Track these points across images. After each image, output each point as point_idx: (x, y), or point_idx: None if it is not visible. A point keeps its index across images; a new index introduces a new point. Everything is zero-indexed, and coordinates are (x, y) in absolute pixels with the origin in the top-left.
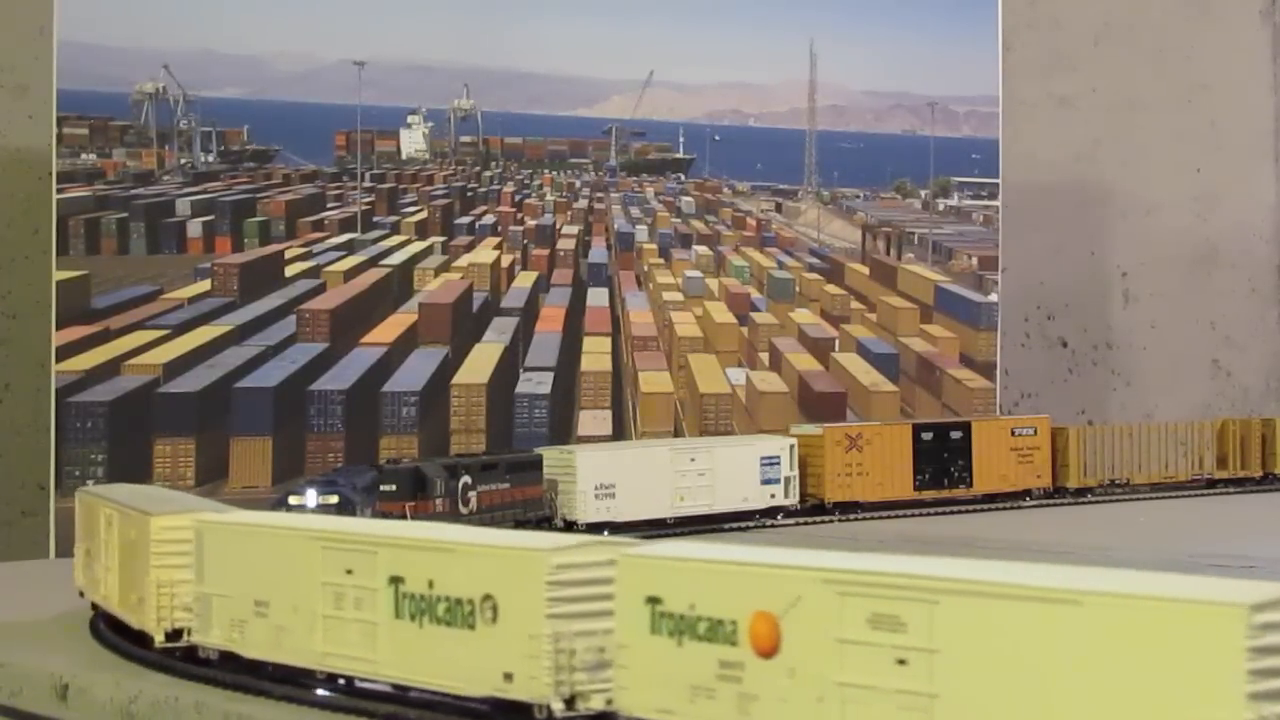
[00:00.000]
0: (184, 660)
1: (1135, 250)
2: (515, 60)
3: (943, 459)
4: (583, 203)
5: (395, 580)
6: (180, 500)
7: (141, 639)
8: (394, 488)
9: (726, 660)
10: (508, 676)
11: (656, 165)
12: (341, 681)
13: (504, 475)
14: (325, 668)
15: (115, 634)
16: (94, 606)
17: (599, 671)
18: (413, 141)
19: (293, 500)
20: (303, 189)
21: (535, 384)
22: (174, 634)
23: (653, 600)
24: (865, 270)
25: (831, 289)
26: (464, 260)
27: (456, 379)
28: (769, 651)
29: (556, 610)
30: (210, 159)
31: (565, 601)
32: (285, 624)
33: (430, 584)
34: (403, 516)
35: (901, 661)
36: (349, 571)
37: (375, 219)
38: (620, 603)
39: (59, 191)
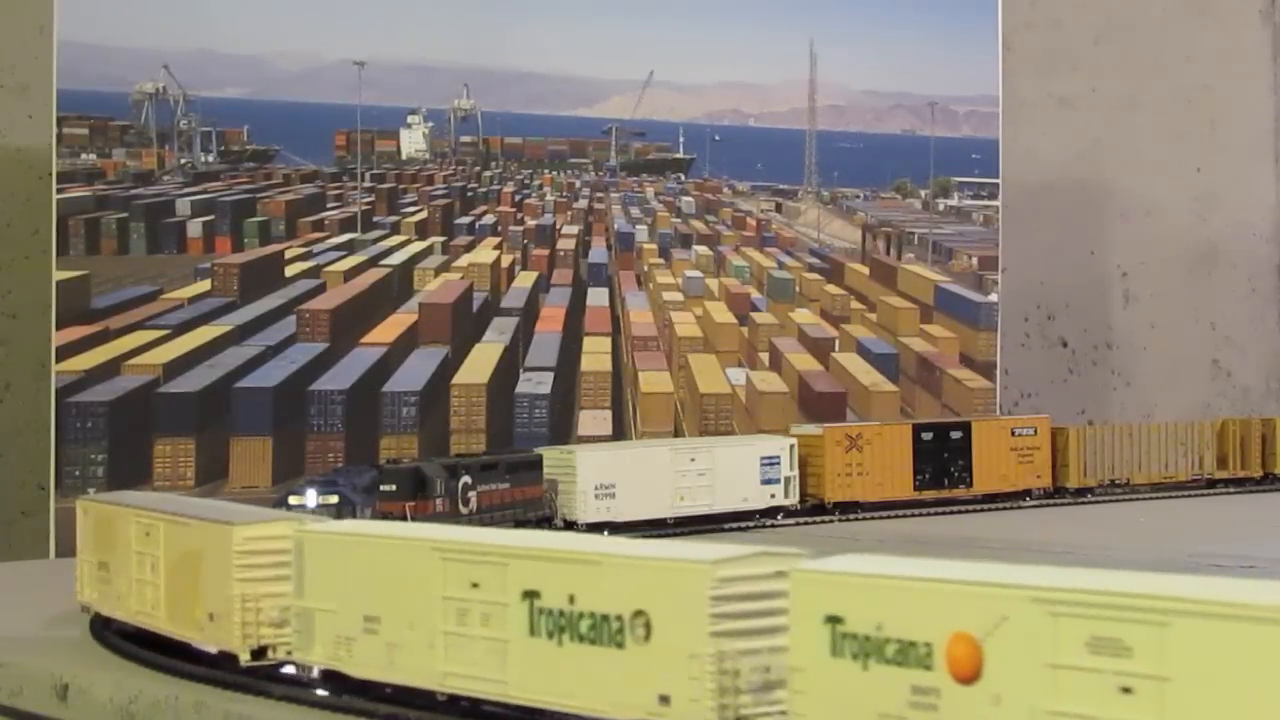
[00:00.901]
0: (269, 679)
1: (1135, 250)
2: (515, 60)
3: (943, 459)
4: (583, 203)
5: (530, 595)
6: (234, 510)
7: (188, 655)
8: (394, 488)
9: (920, 686)
10: (664, 699)
11: (656, 165)
12: (465, 704)
13: (504, 475)
14: (446, 689)
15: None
16: (103, 620)
17: (765, 694)
18: (413, 141)
19: (293, 500)
20: (303, 189)
21: (535, 384)
22: (259, 651)
23: (833, 619)
24: (865, 270)
25: (831, 289)
26: (464, 260)
27: (456, 379)
28: (969, 677)
29: (720, 628)
30: (210, 159)
31: (730, 618)
32: (400, 641)
33: (571, 599)
34: (403, 516)
35: (1126, 690)
36: (475, 585)
37: (375, 219)
38: (795, 621)
39: (59, 191)
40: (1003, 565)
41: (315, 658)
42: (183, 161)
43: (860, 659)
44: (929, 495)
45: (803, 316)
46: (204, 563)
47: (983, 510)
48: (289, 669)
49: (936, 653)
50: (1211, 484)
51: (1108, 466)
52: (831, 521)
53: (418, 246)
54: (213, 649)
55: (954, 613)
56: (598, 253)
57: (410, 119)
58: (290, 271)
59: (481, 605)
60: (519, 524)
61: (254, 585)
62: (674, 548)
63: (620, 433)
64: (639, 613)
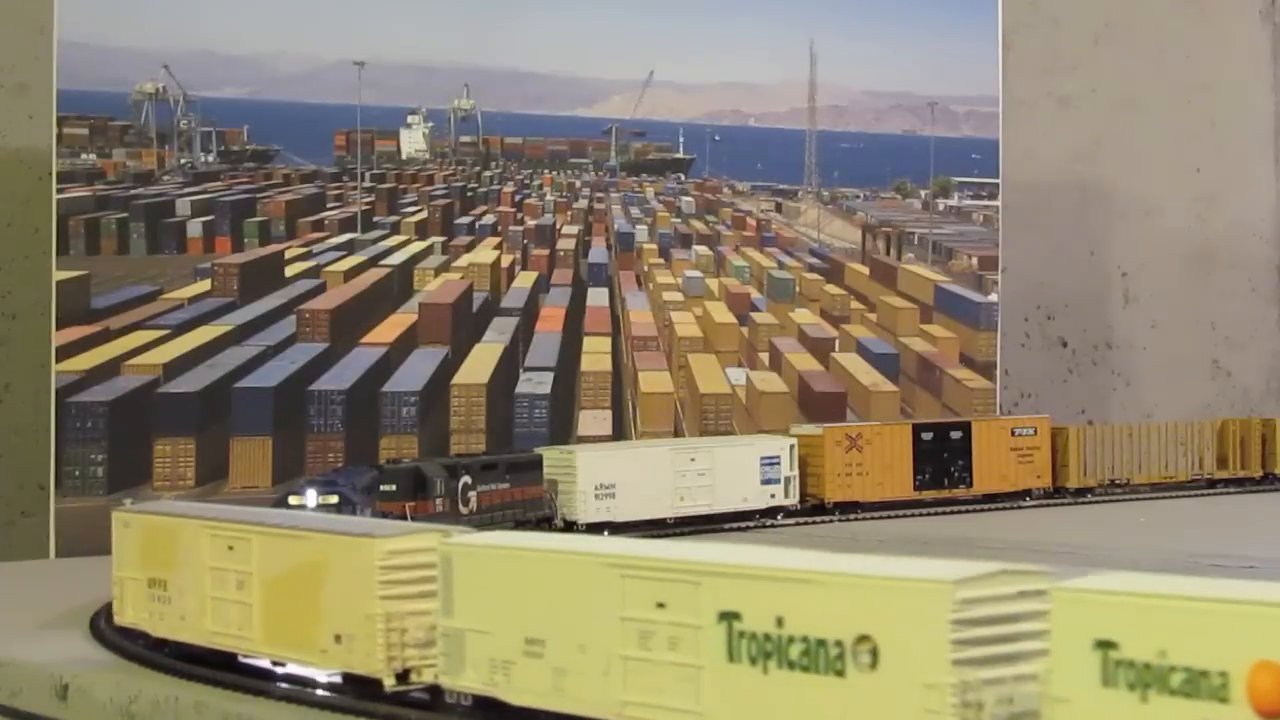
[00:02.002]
0: (417, 706)
1: (1135, 250)
2: (515, 60)
3: (943, 459)
4: (583, 203)
5: (728, 616)
6: (346, 522)
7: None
8: (394, 488)
9: None
10: None
11: (656, 165)
12: None
13: (504, 475)
14: (625, 718)
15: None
16: (157, 643)
17: None
18: (413, 141)
19: (293, 500)
20: (303, 189)
21: (535, 384)
22: (402, 675)
23: (1105, 645)
24: (865, 270)
25: (831, 289)
26: (464, 260)
27: (456, 379)
28: (1275, 712)
29: (962, 655)
30: (210, 159)
31: (972, 644)
32: (569, 666)
33: (779, 621)
34: (402, 516)
35: None
36: (661, 605)
37: (375, 219)
38: (1059, 647)
39: (59, 191)
40: None
41: (467, 683)
42: (183, 161)
43: (1138, 689)
44: (929, 495)
45: (803, 316)
46: (329, 579)
47: (983, 510)
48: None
49: (1235, 683)
50: (1211, 484)
51: (1108, 466)
52: (831, 521)
53: (418, 246)
54: (334, 673)
55: (1257, 638)
56: (598, 253)
57: (410, 119)
58: (290, 271)
59: (669, 627)
60: (519, 524)
61: (397, 603)
62: (903, 565)
63: (620, 433)
64: (863, 638)
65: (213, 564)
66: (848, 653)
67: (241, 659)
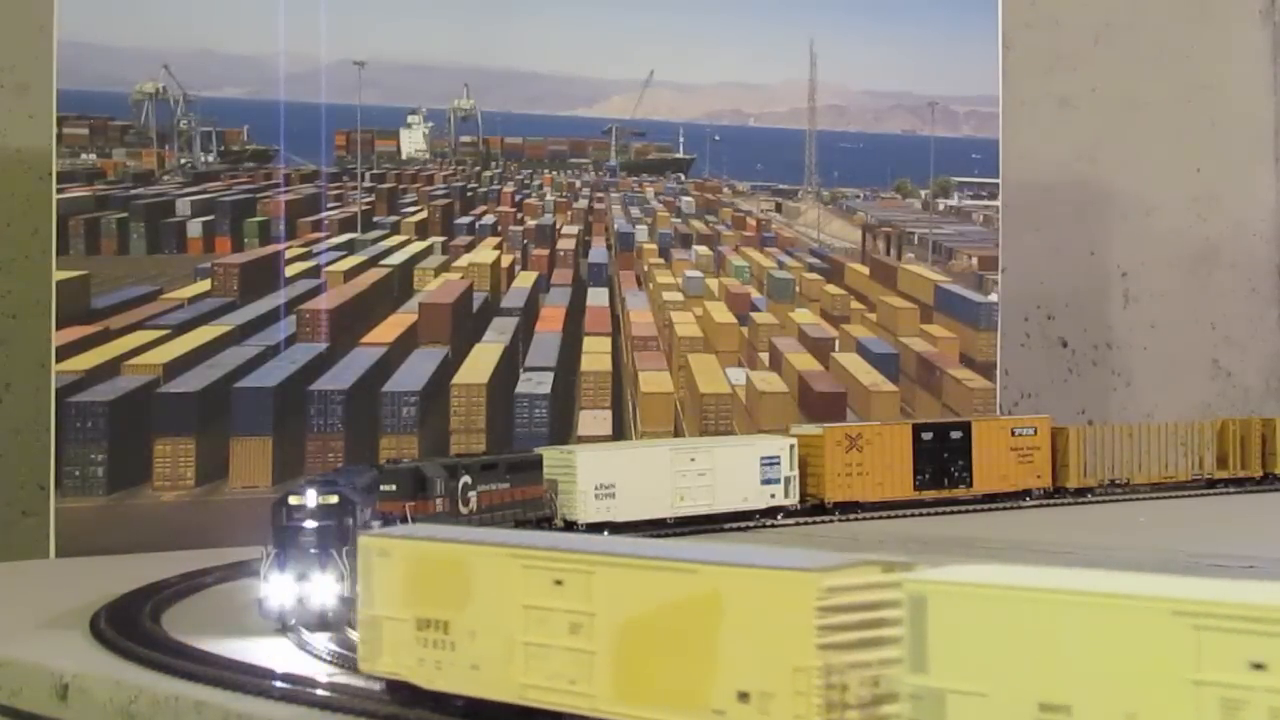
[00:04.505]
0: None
1: (1135, 250)
2: (515, 60)
3: (943, 459)
4: (583, 203)
5: None
6: (739, 551)
7: None
8: (394, 488)
9: None
10: None
11: (656, 165)
12: None
13: (504, 475)
14: None
15: None
16: (431, 696)
17: None
18: (413, 141)
19: (293, 500)
20: (303, 189)
21: (535, 384)
22: None
23: None
24: (865, 270)
25: (831, 289)
26: (464, 260)
27: (456, 379)
28: None
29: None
30: (210, 159)
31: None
32: None
33: None
34: (403, 517)
35: None
36: (1258, 666)
37: (375, 219)
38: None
39: (59, 191)
40: None
41: None
42: (183, 161)
43: None
44: (929, 495)
45: (803, 316)
46: (732, 622)
47: (983, 510)
48: None
49: None
50: (1211, 484)
51: (1108, 466)
52: (831, 521)
53: (418, 246)
54: None
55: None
56: (598, 253)
57: (410, 119)
58: (290, 271)
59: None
60: (519, 524)
61: (838, 654)
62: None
63: (620, 433)
64: None
65: (529, 602)
66: None
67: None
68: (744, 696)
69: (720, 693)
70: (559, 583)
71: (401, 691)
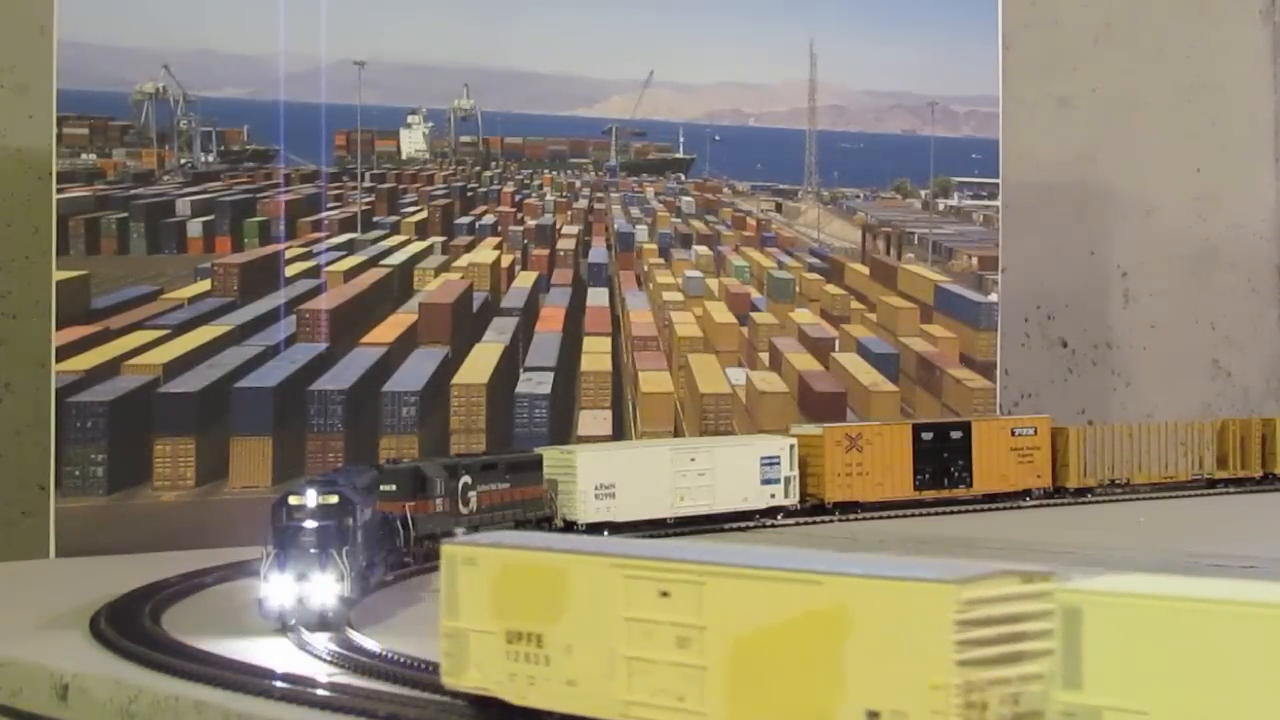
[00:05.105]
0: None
1: (1135, 250)
2: (515, 60)
3: (943, 459)
4: (583, 203)
5: None
6: (870, 562)
7: None
8: (394, 488)
9: None
10: None
11: (656, 165)
12: None
13: (504, 475)
14: None
15: None
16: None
17: None
18: (413, 141)
19: (293, 500)
20: (303, 189)
21: (535, 384)
22: None
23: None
24: (865, 270)
25: (831, 289)
26: (464, 260)
27: (456, 379)
28: None
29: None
30: (210, 159)
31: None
32: None
33: None
34: (403, 517)
35: None
36: None
37: (375, 219)
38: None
39: (59, 191)
40: None
41: None
42: (183, 161)
43: None
44: (929, 495)
45: (803, 316)
46: (859, 636)
47: (983, 510)
48: None
49: None
50: (1211, 484)
51: (1108, 466)
52: (831, 521)
53: (418, 246)
54: None
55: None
56: (598, 253)
57: (410, 119)
58: (290, 271)
59: None
60: (519, 524)
61: (978, 670)
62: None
63: (620, 433)
64: None
65: (631, 614)
66: None
67: None
68: (874, 716)
69: (848, 711)
70: (665, 594)
71: (490, 708)
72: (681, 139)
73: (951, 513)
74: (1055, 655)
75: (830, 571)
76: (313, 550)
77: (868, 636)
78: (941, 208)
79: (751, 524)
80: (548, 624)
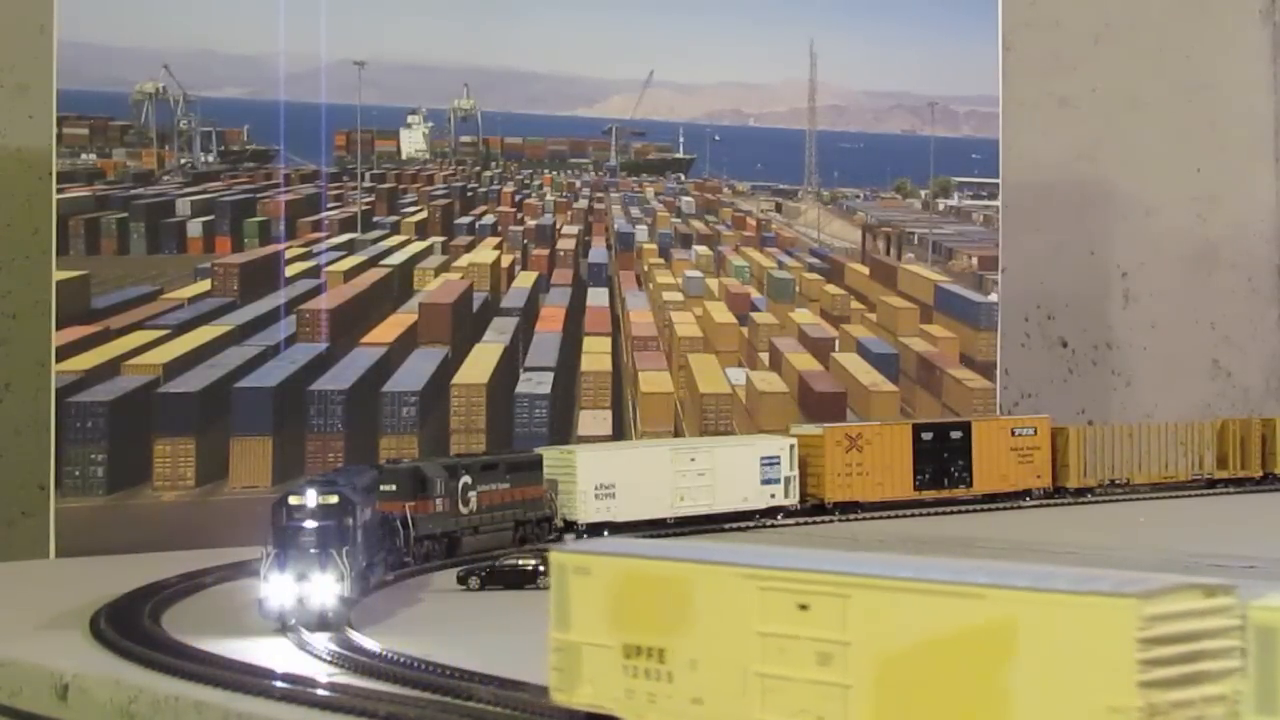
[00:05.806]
0: None
1: (1135, 250)
2: (515, 60)
3: (943, 459)
4: (583, 203)
5: None
6: (1038, 573)
7: None
8: (394, 488)
9: None
10: None
11: (656, 165)
12: None
13: (504, 475)
14: None
15: None
16: None
17: None
18: (413, 141)
19: (293, 500)
20: (303, 189)
21: (535, 384)
22: None
23: None
24: (865, 270)
25: (831, 289)
26: (464, 260)
27: (456, 379)
28: None
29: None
30: (210, 159)
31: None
32: None
33: None
34: (403, 517)
35: None
36: None
37: (375, 219)
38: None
39: (59, 191)
40: None
41: None
42: (183, 161)
43: None
44: (929, 495)
45: (803, 316)
46: (1029, 654)
47: (983, 510)
48: None
49: None
50: (1211, 484)
51: (1108, 466)
52: (831, 521)
53: (418, 246)
54: None
55: None
56: (598, 253)
57: (410, 119)
58: (290, 271)
59: None
60: (519, 524)
61: (1161, 692)
62: None
63: (620, 433)
64: None
65: (766, 629)
66: None
67: None
68: None
69: None
70: (804, 607)
71: None
72: (681, 139)
73: (951, 513)
74: (1248, 676)
75: (993, 584)
76: (313, 550)
77: (1037, 655)
78: (941, 208)
79: (751, 524)
80: (671, 638)
